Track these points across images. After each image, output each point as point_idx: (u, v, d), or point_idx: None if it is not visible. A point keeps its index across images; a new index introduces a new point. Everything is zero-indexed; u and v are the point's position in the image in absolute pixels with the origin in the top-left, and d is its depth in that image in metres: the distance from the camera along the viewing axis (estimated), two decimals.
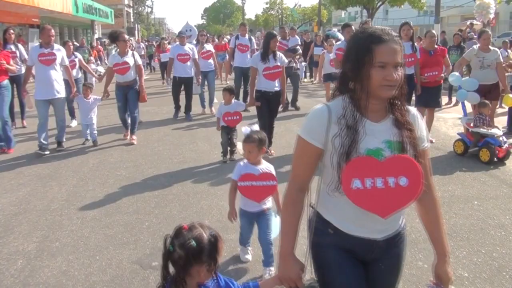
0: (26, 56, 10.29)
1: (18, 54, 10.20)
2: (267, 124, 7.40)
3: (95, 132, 8.90)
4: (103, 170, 7.30)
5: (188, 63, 11.13)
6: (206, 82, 12.19)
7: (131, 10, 73.80)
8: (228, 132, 7.44)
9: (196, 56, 11.26)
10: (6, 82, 8.45)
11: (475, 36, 19.46)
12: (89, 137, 8.90)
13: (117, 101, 9.03)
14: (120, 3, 62.90)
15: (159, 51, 19.70)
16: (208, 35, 13.15)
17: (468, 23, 20.94)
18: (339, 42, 8.38)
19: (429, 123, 8.50)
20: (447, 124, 10.26)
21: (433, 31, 8.31)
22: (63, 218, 5.47)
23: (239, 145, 6.41)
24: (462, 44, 14.03)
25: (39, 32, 10.60)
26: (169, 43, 20.40)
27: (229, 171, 6.49)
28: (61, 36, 39.78)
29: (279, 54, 7.56)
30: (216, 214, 5.43)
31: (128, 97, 8.88)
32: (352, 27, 9.50)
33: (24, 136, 9.76)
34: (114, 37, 8.97)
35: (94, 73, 12.35)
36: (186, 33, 13.34)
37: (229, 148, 7.53)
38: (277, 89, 7.53)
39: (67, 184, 6.65)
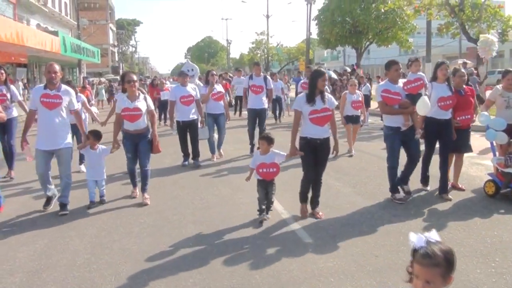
0: (19, 98, 9.71)
1: (9, 96, 9.26)
2: (312, 178, 6.59)
3: (103, 188, 7.56)
4: (124, 217, 6.79)
5: (192, 105, 10.15)
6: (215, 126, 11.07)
7: (115, 50, 74.04)
8: (265, 186, 6.50)
9: (199, 97, 10.33)
10: None
11: (475, 72, 19.76)
12: (94, 199, 7.38)
13: (126, 151, 7.60)
14: (106, 43, 63.14)
15: (154, 90, 18.99)
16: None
17: (460, 62, 21.10)
18: (382, 82, 7.49)
19: (458, 169, 7.98)
20: (465, 163, 10.02)
21: (463, 70, 7.96)
22: (93, 275, 4.92)
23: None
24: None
25: (26, 71, 9.83)
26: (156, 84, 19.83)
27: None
28: None
29: (328, 95, 6.64)
30: (265, 267, 4.97)
31: (139, 147, 7.50)
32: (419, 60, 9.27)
33: (13, 189, 8.52)
34: (121, 78, 7.96)
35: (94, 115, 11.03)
36: (189, 73, 12.79)
37: (265, 205, 6.52)
38: (326, 136, 6.54)
39: (88, 235, 6.11)
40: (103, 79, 40.25)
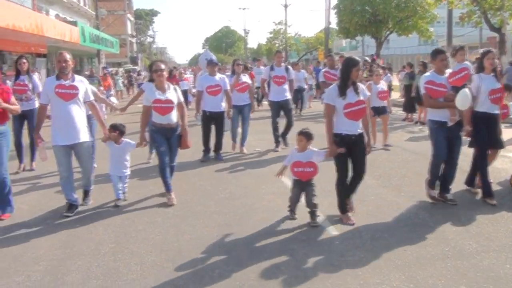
0: (40, 89, 9.09)
1: (31, 87, 9.14)
2: (345, 178, 5.97)
3: (126, 185, 7.19)
4: (147, 207, 6.78)
5: (220, 95, 9.70)
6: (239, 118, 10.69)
7: (134, 40, 74.29)
8: (301, 187, 5.97)
9: (228, 87, 9.83)
10: (3, 128, 6.48)
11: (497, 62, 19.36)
12: (121, 196, 7.00)
13: (158, 146, 6.96)
14: (124, 33, 63.32)
15: (171, 81, 18.98)
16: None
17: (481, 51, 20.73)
18: (427, 73, 6.78)
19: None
20: None
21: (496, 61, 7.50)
22: (118, 264, 4.92)
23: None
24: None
25: (46, 61, 9.35)
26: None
27: (287, 207, 6.10)
28: None
29: (361, 85, 5.99)
30: (291, 260, 4.90)
31: (170, 142, 6.98)
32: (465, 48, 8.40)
33: (33, 181, 8.45)
34: (149, 68, 7.68)
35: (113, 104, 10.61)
36: (204, 62, 12.34)
37: (308, 210, 5.94)
38: (361, 131, 5.91)
39: (111, 224, 6.11)
40: (121, 69, 40.40)
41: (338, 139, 5.80)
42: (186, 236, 5.60)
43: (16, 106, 6.76)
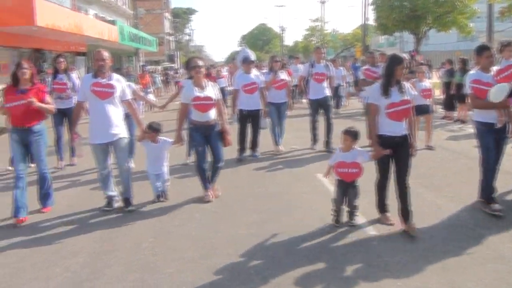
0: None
1: (70, 85, 9.26)
2: (385, 180, 5.74)
3: (167, 183, 7.11)
4: (185, 203, 6.84)
5: (256, 93, 9.54)
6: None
7: (171, 38, 75.04)
8: (344, 188, 5.74)
9: (263, 85, 9.72)
10: (39, 126, 6.47)
11: None
12: (160, 192, 7.00)
13: (195, 145, 6.97)
14: (162, 32, 64.01)
15: (209, 78, 19.09)
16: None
17: None
18: (472, 71, 6.38)
19: None
20: None
21: None
22: (157, 258, 5.00)
23: None
24: None
25: (86, 59, 9.26)
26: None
27: (324, 206, 5.95)
28: None
29: (406, 84, 5.68)
30: (329, 259, 4.85)
31: (211, 140, 6.89)
32: None
33: (74, 177, 8.58)
34: (186, 65, 7.61)
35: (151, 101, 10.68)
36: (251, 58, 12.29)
37: (347, 209, 5.81)
38: (405, 132, 5.59)
39: (150, 220, 6.21)
40: (159, 67, 40.89)
41: (380, 141, 5.53)
42: (223, 233, 5.63)
43: (51, 106, 6.67)
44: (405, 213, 5.55)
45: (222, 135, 6.93)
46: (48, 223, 6.21)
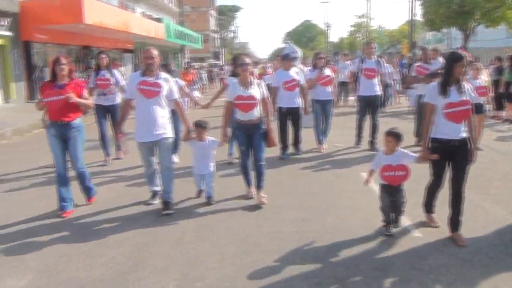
0: (122, 83, 9.46)
1: (112, 81, 9.30)
2: (438, 186, 5.47)
3: (213, 184, 6.89)
4: (228, 198, 6.89)
5: (296, 90, 9.38)
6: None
7: (216, 35, 75.59)
8: (391, 193, 5.45)
9: (304, 82, 9.53)
10: (77, 122, 6.46)
11: None
12: (203, 187, 6.91)
13: (239, 144, 6.85)
14: (207, 29, 64.60)
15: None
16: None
17: None
18: None
19: None
20: None
21: None
22: (199, 252, 5.08)
23: None
24: None
25: (133, 57, 8.91)
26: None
27: (367, 206, 5.83)
28: None
29: (465, 84, 5.29)
30: (370, 260, 4.81)
31: (253, 140, 6.69)
32: None
33: (120, 172, 8.67)
34: (233, 61, 7.60)
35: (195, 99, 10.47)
36: (293, 55, 12.19)
37: (392, 215, 5.50)
38: (464, 135, 5.21)
39: (193, 214, 6.30)
40: (204, 64, 41.25)
41: (437, 145, 5.21)
42: (265, 230, 5.64)
43: (89, 101, 6.72)
44: (455, 223, 5.25)
45: (266, 135, 6.72)
46: (94, 215, 6.40)
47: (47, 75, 22.77)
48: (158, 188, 6.78)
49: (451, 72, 5.13)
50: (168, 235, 5.60)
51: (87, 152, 10.19)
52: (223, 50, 69.30)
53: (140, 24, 28.48)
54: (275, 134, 6.80)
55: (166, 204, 6.47)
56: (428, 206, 5.70)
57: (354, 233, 5.46)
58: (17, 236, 5.74)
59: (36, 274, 4.71)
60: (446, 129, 5.17)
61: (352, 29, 61.07)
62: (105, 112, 9.41)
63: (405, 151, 5.52)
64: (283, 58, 9.86)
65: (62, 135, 6.40)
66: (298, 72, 9.59)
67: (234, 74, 8.76)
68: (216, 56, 65.36)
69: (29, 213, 6.55)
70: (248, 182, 6.93)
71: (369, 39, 56.13)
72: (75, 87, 6.37)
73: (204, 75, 31.16)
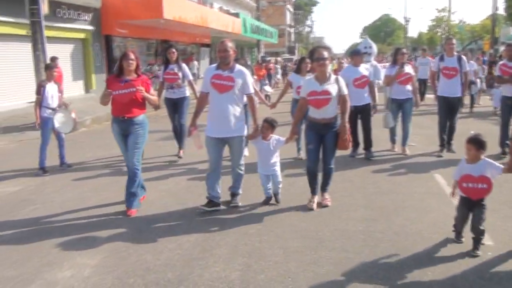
0: (190, 78, 9.54)
1: (181, 75, 9.30)
2: None
3: (280, 185, 6.60)
4: (294, 193, 6.94)
5: (365, 87, 8.99)
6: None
7: (292, 30, 75.57)
8: (469, 207, 4.88)
9: (372, 79, 9.16)
10: (140, 118, 6.33)
11: None
12: (270, 193, 6.57)
13: (307, 142, 6.42)
14: (283, 24, 64.70)
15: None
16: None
17: None
18: None
19: None
20: None
21: None
22: (263, 245, 5.16)
23: None
24: None
25: (210, 51, 8.49)
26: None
27: (438, 209, 5.70)
28: None
29: None
30: (438, 265, 4.65)
31: (325, 140, 6.26)
32: None
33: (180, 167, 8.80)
34: (310, 55, 7.29)
35: (263, 97, 9.96)
36: (363, 50, 12.01)
37: (472, 236, 4.87)
38: None
39: (259, 208, 6.39)
40: (279, 59, 41.33)
41: None
42: (331, 227, 5.62)
43: (155, 97, 6.62)
44: None
45: (338, 136, 6.22)
46: (163, 203, 6.69)
47: None
48: (214, 195, 6.37)
49: None
50: (233, 226, 5.74)
51: (160, 142, 10.63)
52: (297, 45, 69.09)
53: (218, 18, 29.00)
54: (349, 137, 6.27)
55: (234, 196, 6.51)
56: None
57: (421, 237, 5.30)
58: (90, 218, 6.17)
59: (107, 254, 5.02)
60: None
61: (432, 23, 59.14)
62: (174, 106, 9.51)
63: (490, 161, 4.90)
64: (352, 54, 9.52)
65: (125, 131, 6.29)
66: (367, 68, 9.21)
67: (297, 70, 8.80)
68: (291, 51, 65.32)
69: (103, 197, 7.01)
70: (312, 191, 6.47)
71: (449, 34, 54.37)
72: (141, 84, 6.25)
73: (279, 69, 31.31)
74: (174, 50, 9.44)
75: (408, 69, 9.38)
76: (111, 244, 5.30)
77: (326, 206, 6.34)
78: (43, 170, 8.63)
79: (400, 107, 9.46)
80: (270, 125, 6.45)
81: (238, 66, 6.19)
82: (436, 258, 4.78)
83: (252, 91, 6.31)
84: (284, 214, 6.14)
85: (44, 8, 14.08)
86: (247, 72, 6.25)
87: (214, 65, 6.33)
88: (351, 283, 4.31)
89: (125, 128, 6.26)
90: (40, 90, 8.68)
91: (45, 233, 5.71)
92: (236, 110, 6.15)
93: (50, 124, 8.64)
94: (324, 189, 6.53)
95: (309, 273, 4.50)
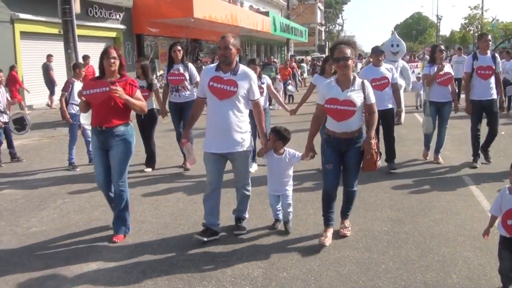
0: (197, 79, 8.15)
1: (187, 76, 8.26)
2: None
3: (290, 210, 5.50)
4: (318, 192, 6.79)
5: (386, 90, 7.97)
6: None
7: (322, 29, 75.25)
8: None
9: (396, 81, 8.23)
10: (122, 129, 5.20)
11: None
12: (280, 216, 5.56)
13: (325, 161, 5.18)
14: (313, 22, 64.47)
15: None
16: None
17: None
18: None
19: None
20: None
21: None
22: (286, 243, 5.19)
23: None
24: None
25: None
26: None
27: (464, 211, 5.70)
28: (258, 53, 41.91)
29: None
30: (463, 268, 4.56)
31: (347, 160, 5.08)
32: None
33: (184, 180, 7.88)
34: (331, 53, 6.59)
35: (282, 101, 9.10)
36: (389, 49, 11.56)
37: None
38: None
39: (266, 203, 6.31)
40: (308, 58, 41.18)
41: None
42: (356, 227, 5.58)
43: (142, 103, 5.36)
44: None
45: (362, 154, 5.05)
46: (183, 207, 6.69)
47: (158, 66, 23.97)
48: (212, 223, 5.31)
49: None
50: (257, 223, 5.76)
51: (169, 152, 9.97)
52: (328, 43, 68.71)
53: (247, 17, 29.11)
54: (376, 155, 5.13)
55: (240, 221, 5.58)
56: None
57: (447, 238, 5.23)
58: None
59: (132, 249, 5.05)
60: None
61: (464, 21, 58.17)
62: (180, 111, 8.41)
63: None
64: (372, 52, 8.56)
65: (104, 145, 5.23)
66: (390, 68, 8.19)
67: (321, 71, 8.01)
68: (321, 49, 65.05)
69: (130, 193, 6.99)
70: (326, 220, 5.24)
71: (481, 32, 53.30)
72: (124, 86, 5.14)
73: (306, 68, 30.86)
74: (179, 48, 8.29)
75: (448, 68, 8.53)
76: (137, 238, 5.41)
77: (344, 236, 5.29)
78: (72, 165, 8.84)
79: (439, 111, 8.50)
80: (279, 136, 5.33)
81: (242, 67, 5.14)
82: (462, 260, 4.71)
83: (258, 96, 5.25)
84: (307, 212, 6.14)
85: (76, 7, 14.41)
86: (253, 74, 5.17)
87: (213, 65, 5.28)
88: (373, 283, 4.28)
89: (103, 140, 5.20)
90: (68, 86, 8.93)
91: (72, 227, 5.86)
92: (239, 120, 5.08)
93: (77, 120, 8.84)
94: (345, 215, 5.45)
95: (331, 272, 4.49)
